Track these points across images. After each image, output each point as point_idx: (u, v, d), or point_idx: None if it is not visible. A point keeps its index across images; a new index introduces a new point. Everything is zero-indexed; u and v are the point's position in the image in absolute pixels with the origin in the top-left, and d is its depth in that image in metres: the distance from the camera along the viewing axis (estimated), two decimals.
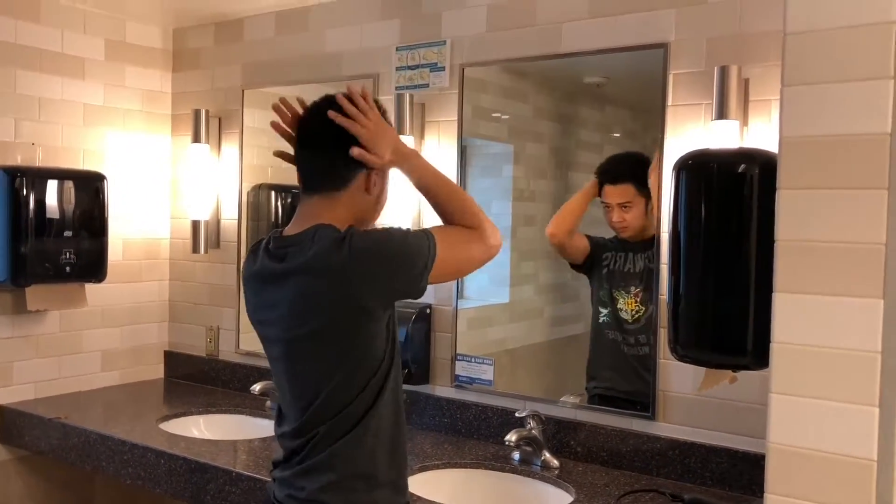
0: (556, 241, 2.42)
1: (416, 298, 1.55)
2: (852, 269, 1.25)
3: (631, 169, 2.25)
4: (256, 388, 2.77)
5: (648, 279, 2.23)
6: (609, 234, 2.37)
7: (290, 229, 1.57)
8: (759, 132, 2.00)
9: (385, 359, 1.53)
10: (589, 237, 2.39)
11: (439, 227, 1.60)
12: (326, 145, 1.58)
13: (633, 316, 2.28)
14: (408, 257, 1.49)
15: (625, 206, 2.29)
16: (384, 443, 1.56)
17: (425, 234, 1.52)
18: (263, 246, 1.59)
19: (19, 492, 2.90)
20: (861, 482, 1.25)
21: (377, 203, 1.62)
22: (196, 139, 3.14)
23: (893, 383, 1.22)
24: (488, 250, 1.59)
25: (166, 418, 2.77)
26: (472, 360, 2.55)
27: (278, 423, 1.64)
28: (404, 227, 1.64)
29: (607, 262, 2.36)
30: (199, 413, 2.88)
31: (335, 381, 1.52)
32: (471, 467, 2.29)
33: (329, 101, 1.60)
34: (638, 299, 2.27)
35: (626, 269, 2.32)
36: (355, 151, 1.54)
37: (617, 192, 2.30)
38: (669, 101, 2.16)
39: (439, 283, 1.70)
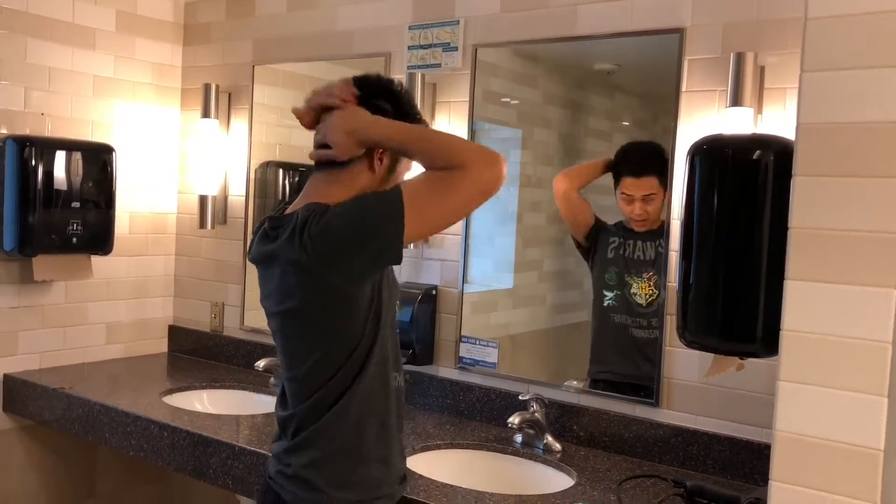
0: (562, 189, 2.39)
1: (394, 264, 1.51)
2: (866, 258, 1.24)
3: (653, 160, 2.21)
4: (260, 364, 2.78)
5: (660, 265, 2.22)
6: (614, 220, 2.36)
7: (292, 207, 1.58)
8: (774, 120, 1.99)
9: (364, 336, 1.52)
10: (595, 215, 2.38)
11: (413, 179, 1.52)
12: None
13: (647, 300, 2.27)
14: (368, 227, 1.45)
15: (648, 199, 2.26)
16: (371, 420, 1.56)
17: (390, 196, 1.46)
18: (264, 227, 1.60)
19: (22, 461, 2.91)
20: (868, 472, 1.25)
21: (384, 183, 1.59)
22: (205, 114, 3.13)
23: None
24: (481, 185, 1.46)
25: (170, 392, 2.78)
26: (477, 342, 2.55)
27: (278, 398, 1.66)
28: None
29: (614, 245, 2.35)
30: (203, 388, 2.89)
31: (314, 358, 1.54)
32: (473, 448, 2.30)
33: (360, 80, 1.62)
34: (652, 283, 2.25)
35: (637, 257, 2.30)
36: (312, 154, 1.59)
37: (642, 185, 2.26)
38: (684, 88, 2.15)
39: (431, 233, 1.69)
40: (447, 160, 1.47)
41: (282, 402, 1.63)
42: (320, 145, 1.59)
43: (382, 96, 1.60)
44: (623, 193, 2.30)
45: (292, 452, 1.57)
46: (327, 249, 1.45)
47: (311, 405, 1.55)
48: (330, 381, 1.53)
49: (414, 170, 1.60)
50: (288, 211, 1.58)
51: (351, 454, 1.55)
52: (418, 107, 1.69)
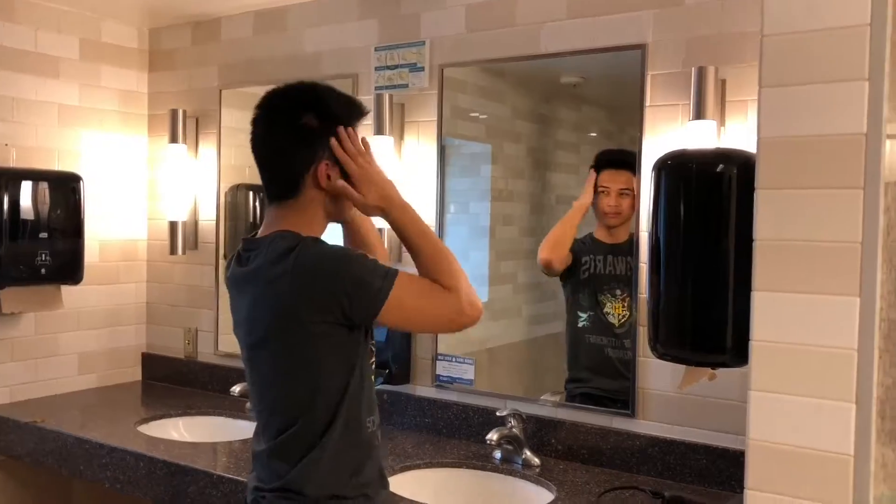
0: (551, 267, 2.41)
1: (367, 326, 1.52)
2: (829, 268, 1.27)
3: (630, 159, 2.23)
4: (236, 389, 2.75)
5: (632, 282, 2.23)
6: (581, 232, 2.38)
7: (261, 232, 1.58)
8: (736, 132, 2.03)
9: (335, 378, 1.50)
10: (570, 251, 2.40)
11: (413, 276, 1.54)
12: (265, 153, 1.57)
13: (619, 321, 2.29)
14: (353, 287, 1.45)
15: (623, 193, 2.29)
16: (345, 468, 1.54)
17: (386, 274, 1.48)
18: (238, 249, 1.59)
19: None
20: (839, 477, 1.27)
21: (338, 197, 1.57)
22: (173, 139, 3.12)
23: (869, 379, 1.25)
24: (459, 316, 1.51)
25: (145, 421, 2.75)
26: (453, 359, 2.55)
27: (255, 431, 1.65)
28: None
29: (587, 265, 2.37)
30: (178, 415, 2.86)
31: (275, 394, 1.53)
32: (452, 466, 2.30)
33: (269, 106, 1.58)
34: (625, 304, 2.27)
35: (608, 272, 2.33)
36: (339, 184, 1.54)
37: (620, 178, 2.29)
38: (647, 102, 2.18)
39: (394, 327, 1.69)
40: (445, 278, 1.51)
41: (256, 435, 1.62)
42: (295, 177, 1.54)
43: (303, 109, 1.54)
44: (601, 187, 2.33)
45: (269, 492, 1.56)
46: (307, 283, 1.45)
47: (282, 447, 1.53)
48: (298, 421, 1.51)
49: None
50: (259, 235, 1.57)
51: (324, 496, 1.54)
52: (362, 106, 1.62)
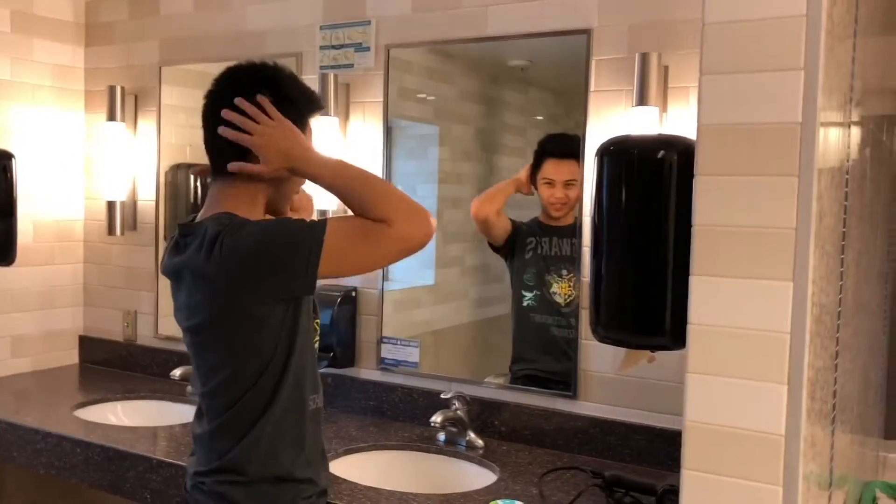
0: (482, 217, 2.41)
1: (304, 294, 1.48)
2: (764, 253, 1.30)
3: (574, 147, 2.22)
4: (177, 373, 2.71)
5: (576, 262, 2.26)
6: (527, 216, 2.40)
7: (201, 215, 1.55)
8: (678, 118, 2.06)
9: (275, 357, 1.48)
10: (510, 219, 2.41)
11: (340, 218, 1.50)
12: (213, 128, 1.52)
13: (566, 300, 2.31)
14: (281, 253, 1.41)
15: (569, 184, 2.30)
16: (286, 446, 1.52)
17: (311, 228, 1.43)
18: (175, 235, 1.56)
19: None
20: (770, 456, 1.31)
21: (284, 184, 1.55)
22: (111, 117, 3.03)
23: (800, 362, 1.28)
24: (402, 242, 1.45)
25: (82, 405, 2.68)
26: (398, 342, 2.55)
27: (195, 413, 1.63)
28: (312, 216, 1.58)
29: (532, 245, 2.39)
30: (117, 399, 2.80)
31: (223, 375, 1.51)
32: (397, 449, 2.30)
33: (227, 81, 1.55)
34: (571, 284, 2.30)
35: (554, 254, 2.35)
36: (233, 166, 1.49)
37: (564, 169, 2.30)
38: (592, 87, 2.20)
39: (342, 276, 1.64)
40: (376, 212, 1.44)
41: (198, 417, 1.60)
42: (240, 153, 1.50)
43: (260, 87, 1.51)
44: (544, 178, 2.33)
45: (207, 475, 1.54)
46: (237, 267, 1.42)
47: (225, 426, 1.52)
48: (241, 401, 1.50)
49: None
50: (198, 219, 1.54)
51: (266, 477, 1.52)
52: (320, 100, 1.61)
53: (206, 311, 1.48)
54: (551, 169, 2.32)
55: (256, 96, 1.50)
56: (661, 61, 2.04)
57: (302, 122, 1.56)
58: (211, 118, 1.54)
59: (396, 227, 1.43)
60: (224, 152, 1.52)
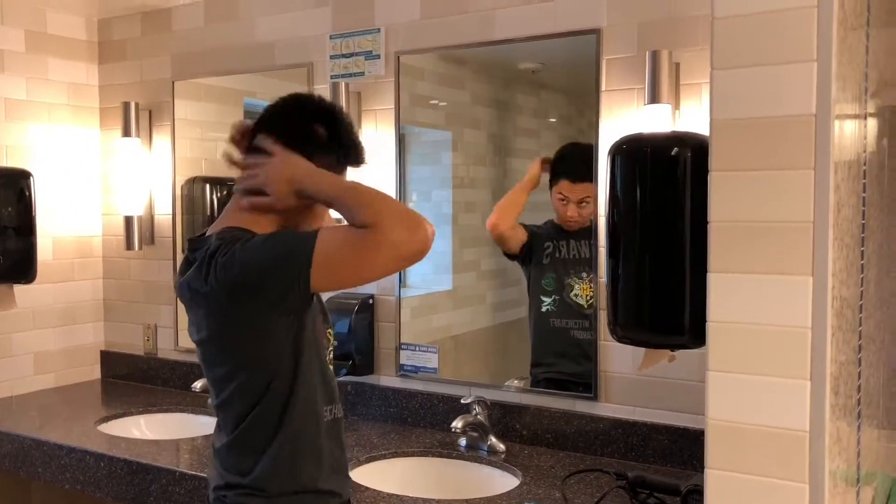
0: (497, 233, 2.41)
1: (301, 307, 1.45)
2: (782, 248, 1.28)
3: (591, 166, 2.21)
4: (197, 385, 2.73)
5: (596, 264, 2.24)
6: (542, 219, 2.38)
7: (212, 228, 1.56)
8: (691, 115, 2.04)
9: (283, 369, 1.48)
10: (525, 226, 2.40)
11: (332, 227, 1.49)
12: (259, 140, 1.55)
13: (587, 301, 2.29)
14: (273, 266, 1.40)
15: (583, 203, 2.29)
16: (305, 461, 1.52)
17: (303, 239, 1.41)
18: (186, 252, 1.57)
19: None
20: (795, 453, 1.29)
21: (303, 210, 1.55)
22: (126, 133, 3.06)
23: (822, 357, 1.26)
24: (393, 249, 1.39)
25: (105, 420, 2.70)
26: (417, 348, 2.55)
27: (215, 426, 1.64)
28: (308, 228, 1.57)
29: (549, 250, 2.38)
30: (139, 413, 2.82)
31: (231, 387, 1.51)
32: (418, 455, 2.30)
33: (288, 105, 1.59)
34: (592, 285, 2.28)
35: (573, 256, 2.33)
36: (244, 204, 1.52)
37: (578, 190, 2.29)
38: (603, 87, 2.19)
39: (342, 287, 1.63)
40: (363, 217, 1.40)
41: (217, 430, 1.61)
42: (254, 191, 1.52)
43: (319, 120, 1.55)
44: (560, 194, 2.33)
45: (229, 488, 1.55)
46: (230, 283, 1.42)
47: (240, 440, 1.52)
48: (252, 413, 1.50)
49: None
50: (208, 233, 1.55)
51: (287, 492, 1.52)
52: (363, 154, 1.63)
53: (210, 326, 1.49)
54: (566, 188, 2.32)
55: (256, 136, 1.53)
56: (672, 58, 2.03)
57: (340, 167, 1.58)
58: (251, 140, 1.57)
59: (385, 232, 1.38)
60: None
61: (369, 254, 1.40)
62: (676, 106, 2.05)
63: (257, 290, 1.41)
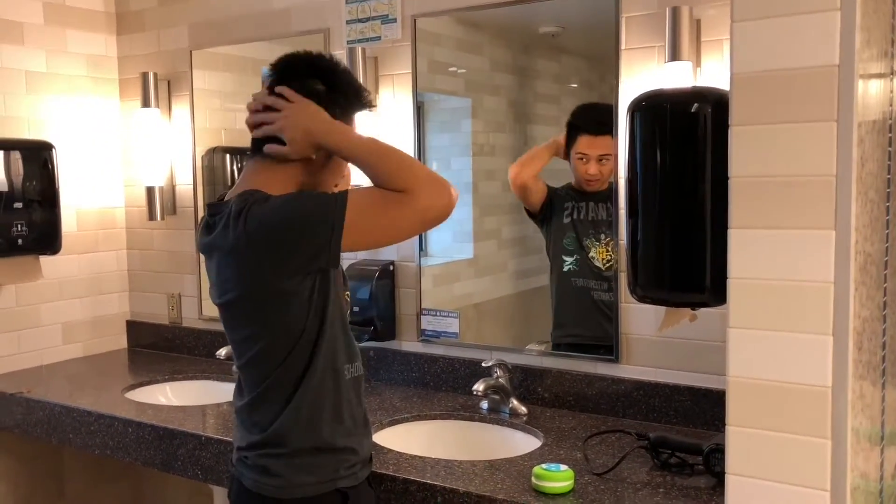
0: (520, 181, 2.39)
1: (330, 267, 1.48)
2: (804, 202, 1.27)
3: (610, 120, 2.18)
4: (222, 352, 2.76)
5: (614, 226, 2.23)
6: (560, 182, 2.37)
7: (230, 193, 1.56)
8: (713, 72, 2.01)
9: (306, 330, 1.49)
10: (546, 185, 2.39)
11: (361, 189, 1.50)
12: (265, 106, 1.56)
13: (605, 264, 2.28)
14: (306, 227, 1.43)
15: (603, 159, 2.26)
16: (325, 416, 1.54)
17: (334, 200, 1.43)
18: (205, 216, 1.58)
19: None
20: (817, 409, 1.28)
21: (323, 170, 1.57)
22: (145, 104, 3.07)
23: (845, 311, 1.25)
24: (424, 213, 1.45)
25: (132, 387, 2.75)
26: (438, 313, 2.55)
27: (235, 387, 1.66)
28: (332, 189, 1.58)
29: (569, 210, 2.36)
30: (165, 380, 2.86)
31: (256, 348, 1.53)
32: (440, 418, 2.31)
33: (283, 66, 1.59)
34: (609, 248, 2.27)
35: (591, 218, 2.32)
36: (268, 148, 1.53)
37: (599, 144, 2.25)
38: (623, 45, 2.15)
39: (366, 249, 1.64)
40: (395, 182, 1.44)
41: (237, 390, 1.63)
42: (270, 137, 1.54)
43: (314, 76, 1.56)
44: (578, 153, 2.30)
45: (250, 448, 1.57)
46: (262, 241, 1.43)
47: (262, 398, 1.54)
48: (276, 373, 1.52)
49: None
50: (227, 198, 1.55)
51: (306, 447, 1.54)
52: (359, 80, 1.66)
53: (236, 286, 1.51)
54: (585, 144, 2.28)
55: (276, 88, 1.54)
56: (693, 15, 1.99)
57: (346, 114, 1.59)
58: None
59: (416, 197, 1.43)
60: (269, 137, 1.55)
61: (400, 216, 1.45)
62: (698, 63, 2.02)
63: (290, 246, 1.43)
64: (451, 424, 2.30)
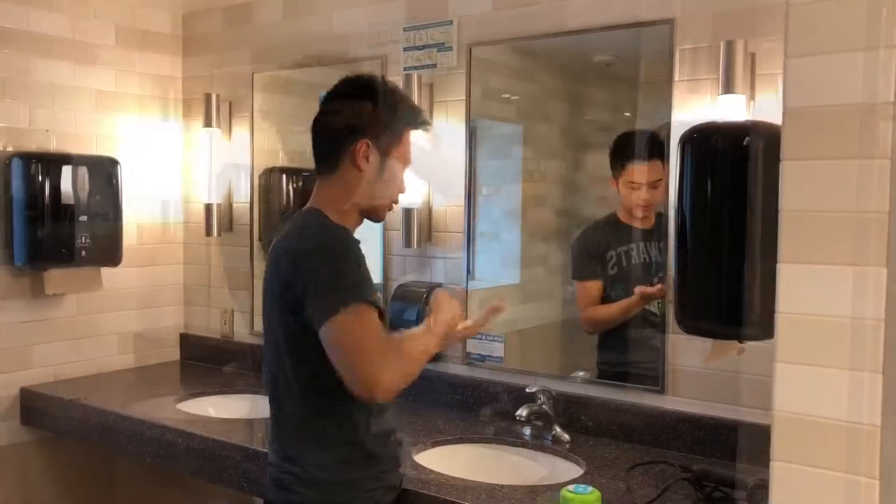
0: (593, 322, 2.43)
1: (316, 326, 1.52)
2: (856, 238, 1.26)
3: (658, 144, 2.15)
4: None
5: (663, 264, 2.18)
6: (602, 213, 2.36)
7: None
8: (766, 106, 2.00)
9: (323, 358, 1.53)
10: (594, 278, 2.39)
11: (370, 320, 1.54)
12: (319, 126, 1.65)
13: (657, 307, 2.24)
14: (313, 291, 1.50)
15: (655, 184, 2.21)
16: (345, 437, 1.61)
17: (358, 288, 1.52)
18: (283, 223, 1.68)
19: (41, 473, 2.96)
20: (866, 448, 1.26)
21: (375, 182, 1.62)
22: (207, 123, 3.17)
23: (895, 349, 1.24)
24: (367, 392, 1.51)
25: (183, 399, 2.82)
26: (483, 337, 2.57)
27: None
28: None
29: (613, 260, 2.33)
30: (216, 393, 2.93)
31: (275, 371, 1.63)
32: (483, 442, 2.32)
33: (335, 89, 1.67)
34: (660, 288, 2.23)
35: (643, 260, 2.28)
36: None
37: (651, 170, 2.22)
38: (676, 77, 2.16)
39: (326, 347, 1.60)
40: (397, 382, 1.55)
41: (271, 401, 1.70)
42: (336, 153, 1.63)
43: (362, 97, 1.63)
44: (630, 182, 2.26)
45: (275, 465, 1.67)
46: (283, 275, 1.56)
47: (285, 417, 1.64)
48: (296, 393, 1.60)
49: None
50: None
51: (324, 471, 1.61)
52: (413, 101, 1.71)
53: (273, 295, 1.61)
54: (637, 172, 2.25)
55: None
56: (748, 48, 1.99)
57: (394, 132, 1.65)
58: (317, 122, 1.67)
59: (380, 391, 1.51)
60: (325, 154, 1.64)
61: (360, 364, 1.49)
62: (751, 97, 2.02)
63: (299, 292, 1.52)
64: (493, 449, 2.31)
